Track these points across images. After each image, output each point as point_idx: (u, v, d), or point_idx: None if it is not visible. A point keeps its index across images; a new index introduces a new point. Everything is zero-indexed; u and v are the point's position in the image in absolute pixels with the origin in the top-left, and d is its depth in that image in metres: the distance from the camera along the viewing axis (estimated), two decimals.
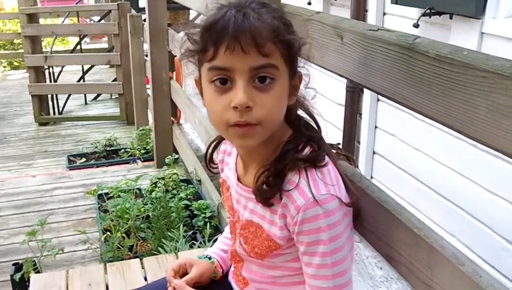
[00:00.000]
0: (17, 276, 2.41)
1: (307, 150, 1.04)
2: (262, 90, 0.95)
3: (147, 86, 4.57)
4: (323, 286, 1.01)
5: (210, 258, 1.34)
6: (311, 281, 1.03)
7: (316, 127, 1.11)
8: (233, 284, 1.29)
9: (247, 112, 0.95)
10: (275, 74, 0.96)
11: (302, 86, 1.08)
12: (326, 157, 1.04)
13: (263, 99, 0.95)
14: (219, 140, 1.25)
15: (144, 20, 4.21)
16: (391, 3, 2.62)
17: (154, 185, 3.38)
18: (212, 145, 1.26)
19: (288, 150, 1.04)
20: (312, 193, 0.97)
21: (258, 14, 0.94)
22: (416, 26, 2.37)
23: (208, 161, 1.27)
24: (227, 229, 1.38)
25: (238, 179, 1.15)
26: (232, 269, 1.30)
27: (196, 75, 1.06)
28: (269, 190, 1.02)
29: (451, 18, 2.29)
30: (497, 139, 0.75)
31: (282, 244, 1.05)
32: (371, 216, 1.12)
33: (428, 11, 2.31)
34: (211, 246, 1.44)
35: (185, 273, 1.30)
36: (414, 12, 2.47)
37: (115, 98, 6.40)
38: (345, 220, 1.02)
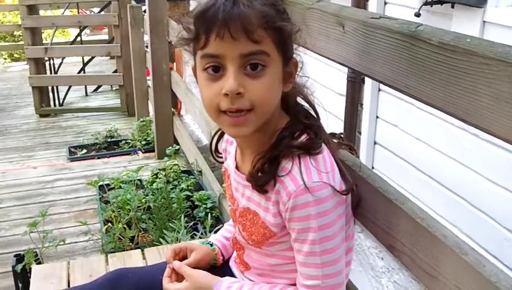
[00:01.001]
0: (19, 267, 2.42)
1: (303, 138, 1.04)
2: (254, 77, 0.96)
3: (148, 77, 4.55)
4: (312, 274, 1.02)
5: (212, 245, 1.36)
6: (301, 269, 1.04)
7: (314, 115, 1.11)
8: (234, 269, 1.31)
9: (239, 98, 0.95)
10: (266, 60, 0.96)
11: (297, 73, 1.07)
12: (323, 145, 1.04)
13: (255, 86, 0.96)
14: None
15: (144, 11, 4.20)
16: None
17: (155, 176, 3.38)
18: (217, 135, 1.26)
19: (284, 136, 1.04)
20: (303, 179, 0.97)
21: (248, 1, 0.94)
22: (417, 15, 2.35)
23: (213, 150, 1.27)
24: None
25: (237, 167, 1.16)
26: (234, 255, 1.32)
27: (192, 63, 1.06)
28: (263, 176, 1.03)
29: (452, 7, 2.28)
30: (501, 128, 0.74)
31: (276, 231, 1.06)
32: (372, 206, 1.12)
33: (429, 0, 2.30)
34: None
35: (185, 257, 1.32)
36: (415, 1, 2.45)
37: (116, 89, 6.38)
38: (337, 209, 1.02)
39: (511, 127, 0.72)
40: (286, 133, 1.04)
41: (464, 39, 0.81)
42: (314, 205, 0.97)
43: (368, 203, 1.13)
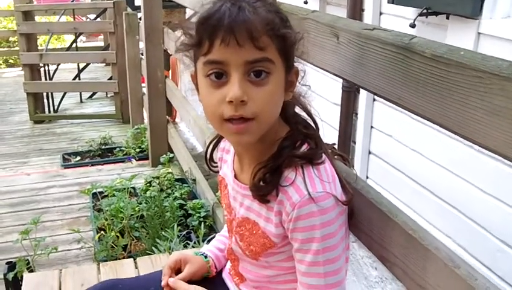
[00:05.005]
0: (10, 275, 2.40)
1: (304, 147, 1.04)
2: (258, 85, 0.95)
3: (143, 85, 4.55)
4: (314, 283, 1.01)
5: (206, 257, 1.34)
6: (302, 278, 1.03)
7: (313, 125, 1.10)
8: (228, 281, 1.30)
9: (242, 106, 0.94)
10: (271, 68, 0.95)
11: (298, 83, 1.07)
12: (324, 155, 1.04)
13: (258, 94, 0.94)
14: (219, 138, 1.24)
15: (140, 18, 4.20)
16: (388, 2, 2.61)
17: (148, 184, 3.37)
18: (212, 144, 1.25)
19: (285, 146, 1.03)
20: (308, 189, 0.97)
21: (253, 8, 0.93)
22: (412, 26, 2.35)
23: (208, 159, 1.26)
24: (225, 228, 1.37)
25: (235, 176, 1.15)
26: (228, 265, 1.30)
27: (192, 70, 1.05)
28: (266, 186, 1.02)
29: (447, 18, 2.29)
30: (493, 140, 0.75)
31: (277, 242, 1.05)
32: (365, 217, 1.12)
33: (425, 11, 2.30)
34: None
35: (179, 269, 1.31)
36: (411, 12, 2.46)
37: (111, 96, 6.37)
38: (339, 219, 1.01)
39: (503, 140, 0.73)
40: (287, 143, 1.04)
41: (457, 52, 0.81)
42: (319, 214, 0.97)
43: (362, 215, 1.12)
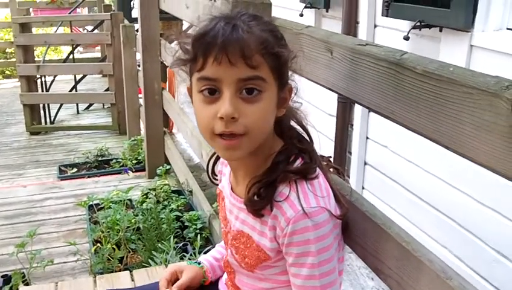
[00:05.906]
0: (6, 288, 2.40)
1: (298, 162, 1.05)
2: (249, 102, 0.96)
3: (140, 96, 4.56)
4: None
5: (199, 263, 1.37)
6: None
7: (308, 139, 1.12)
8: None
9: (233, 122, 0.95)
10: (263, 86, 0.97)
11: (291, 100, 1.08)
12: (318, 170, 1.05)
13: (249, 111, 0.96)
14: None
15: (137, 30, 4.22)
16: (382, 15, 2.64)
17: (145, 196, 3.37)
18: (214, 157, 1.27)
19: (279, 161, 1.04)
20: (302, 205, 0.98)
21: (248, 26, 0.95)
22: (406, 38, 2.38)
23: (210, 172, 1.28)
24: None
25: (232, 189, 1.16)
26: (224, 277, 1.31)
27: (188, 83, 1.07)
28: (260, 201, 1.03)
29: (440, 31, 2.31)
30: (483, 155, 0.76)
31: (271, 256, 1.06)
32: (359, 229, 1.13)
33: (418, 23, 2.33)
34: None
35: (176, 280, 1.33)
36: (404, 24, 2.49)
37: (107, 107, 6.38)
38: (333, 232, 1.03)
39: (492, 155, 0.74)
40: (282, 158, 1.05)
41: (447, 68, 0.83)
42: (313, 229, 0.98)
43: (356, 227, 1.14)
